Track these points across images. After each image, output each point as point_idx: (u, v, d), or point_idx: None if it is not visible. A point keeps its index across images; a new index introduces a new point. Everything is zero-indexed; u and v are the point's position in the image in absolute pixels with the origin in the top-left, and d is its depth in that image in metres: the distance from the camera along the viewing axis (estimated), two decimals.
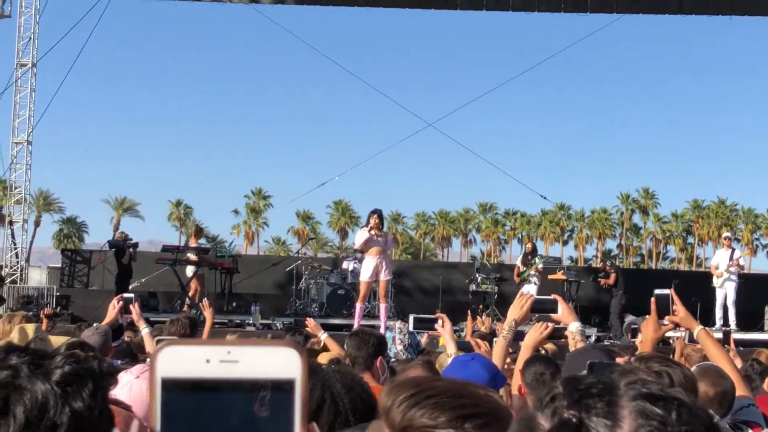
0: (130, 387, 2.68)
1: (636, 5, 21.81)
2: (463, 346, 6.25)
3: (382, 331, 14.76)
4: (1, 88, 24.55)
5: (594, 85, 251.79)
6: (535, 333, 4.55)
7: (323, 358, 6.46)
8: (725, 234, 19.62)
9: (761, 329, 17.97)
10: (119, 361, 4.97)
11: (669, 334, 6.84)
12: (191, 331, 6.82)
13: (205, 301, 8.77)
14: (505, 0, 21.76)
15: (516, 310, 4.43)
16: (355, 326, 14.45)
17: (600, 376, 1.09)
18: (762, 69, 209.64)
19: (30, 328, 3.34)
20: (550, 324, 4.53)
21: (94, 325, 6.45)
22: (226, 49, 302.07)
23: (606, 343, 15.02)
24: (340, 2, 21.95)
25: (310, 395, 2.01)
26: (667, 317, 4.16)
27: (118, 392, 2.08)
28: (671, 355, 5.86)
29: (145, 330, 6.23)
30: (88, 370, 1.49)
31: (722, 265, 17.55)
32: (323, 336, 8.07)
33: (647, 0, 21.66)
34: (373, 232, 14.43)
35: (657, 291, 4.20)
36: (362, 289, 15.13)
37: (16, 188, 24.99)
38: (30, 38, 24.35)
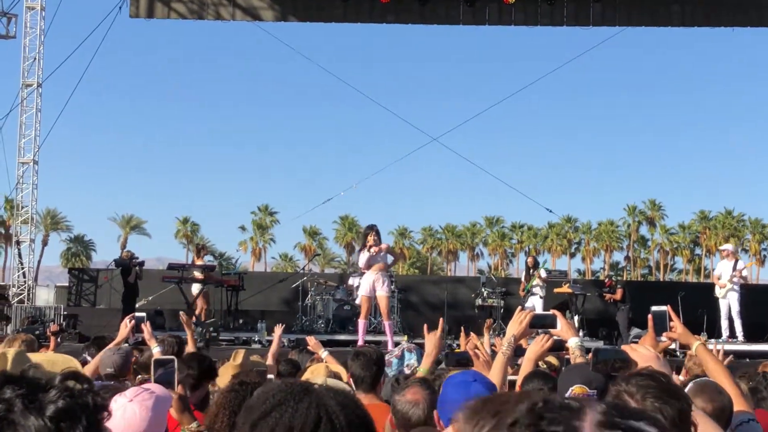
0: (124, 410, 2.68)
1: (638, 18, 21.84)
2: (461, 356, 6.19)
3: (390, 347, 14.77)
4: (6, 109, 24.70)
5: (600, 97, 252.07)
6: (536, 346, 4.54)
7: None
8: (723, 246, 19.55)
9: (767, 341, 17.88)
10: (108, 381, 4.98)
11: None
12: (178, 351, 6.85)
13: (182, 315, 8.79)
14: (507, 14, 21.81)
15: (515, 325, 4.41)
16: (360, 343, 14.44)
17: (569, 402, 1.09)
18: (766, 79, 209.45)
19: (10, 353, 3.32)
20: (552, 335, 4.51)
21: (116, 345, 6.43)
22: (232, 67, 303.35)
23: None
24: (344, 19, 22.01)
25: (306, 415, 2.04)
26: (665, 333, 4.16)
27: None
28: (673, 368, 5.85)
29: (156, 349, 6.26)
30: (82, 405, 1.49)
31: (725, 275, 17.48)
32: (324, 353, 8.08)
33: (649, 13, 21.70)
34: (372, 250, 14.48)
35: (654, 308, 4.20)
36: (363, 304, 15.09)
37: (23, 208, 25.05)
38: (35, 58, 24.47)
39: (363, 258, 14.69)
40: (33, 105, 24.52)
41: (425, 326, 5.47)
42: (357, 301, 16.85)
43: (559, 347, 4.83)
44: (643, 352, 3.50)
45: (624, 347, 3.63)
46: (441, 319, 5.59)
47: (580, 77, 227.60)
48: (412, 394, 3.68)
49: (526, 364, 4.73)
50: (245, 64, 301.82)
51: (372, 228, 14.84)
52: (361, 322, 15.03)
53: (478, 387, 3.43)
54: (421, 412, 3.56)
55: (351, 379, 5.28)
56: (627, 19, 21.72)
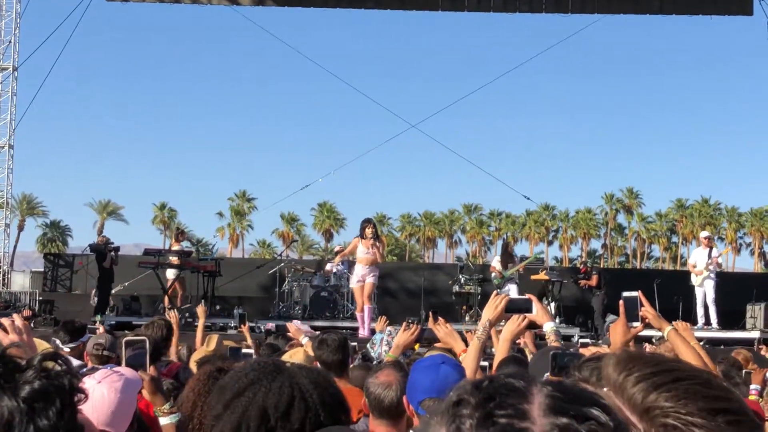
0: (92, 392, 2.64)
1: (616, 6, 21.89)
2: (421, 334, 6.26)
3: (365, 331, 14.84)
4: None
5: (577, 85, 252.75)
6: (512, 325, 4.50)
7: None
8: (704, 233, 19.42)
9: (743, 328, 18.03)
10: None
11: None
12: (167, 334, 6.83)
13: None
14: (486, 1, 21.81)
15: (490, 310, 4.37)
16: (365, 333, 14.66)
17: (515, 377, 1.04)
18: (744, 67, 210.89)
19: None
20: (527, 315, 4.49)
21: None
22: (208, 51, 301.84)
23: (589, 342, 15.02)
24: (321, 4, 21.93)
25: (279, 394, 2.03)
26: (641, 311, 4.13)
27: None
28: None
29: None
30: (58, 387, 1.47)
31: (701, 263, 17.54)
32: (304, 340, 8.06)
33: (628, 1, 21.75)
34: (370, 244, 14.93)
35: (625, 293, 4.19)
36: (357, 296, 15.47)
37: None
38: (11, 41, 24.24)
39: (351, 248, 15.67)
40: (8, 89, 24.31)
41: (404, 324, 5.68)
42: (333, 285, 17.21)
43: (535, 326, 4.82)
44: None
45: (582, 350, 3.62)
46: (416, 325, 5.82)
47: (558, 64, 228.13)
48: (386, 376, 3.67)
49: (502, 344, 4.72)
50: (221, 49, 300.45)
51: (369, 222, 15.28)
52: (359, 315, 15.39)
53: (446, 369, 3.41)
54: (395, 395, 3.55)
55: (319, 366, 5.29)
56: (606, 6, 21.76)
